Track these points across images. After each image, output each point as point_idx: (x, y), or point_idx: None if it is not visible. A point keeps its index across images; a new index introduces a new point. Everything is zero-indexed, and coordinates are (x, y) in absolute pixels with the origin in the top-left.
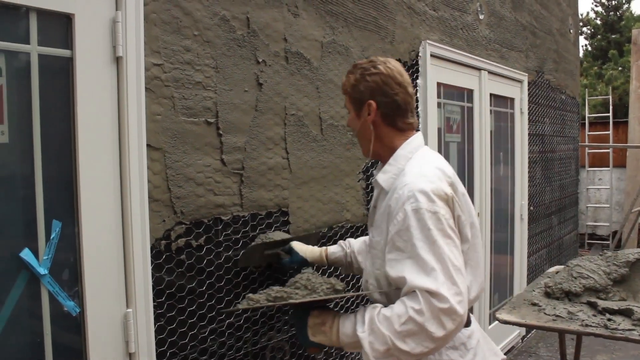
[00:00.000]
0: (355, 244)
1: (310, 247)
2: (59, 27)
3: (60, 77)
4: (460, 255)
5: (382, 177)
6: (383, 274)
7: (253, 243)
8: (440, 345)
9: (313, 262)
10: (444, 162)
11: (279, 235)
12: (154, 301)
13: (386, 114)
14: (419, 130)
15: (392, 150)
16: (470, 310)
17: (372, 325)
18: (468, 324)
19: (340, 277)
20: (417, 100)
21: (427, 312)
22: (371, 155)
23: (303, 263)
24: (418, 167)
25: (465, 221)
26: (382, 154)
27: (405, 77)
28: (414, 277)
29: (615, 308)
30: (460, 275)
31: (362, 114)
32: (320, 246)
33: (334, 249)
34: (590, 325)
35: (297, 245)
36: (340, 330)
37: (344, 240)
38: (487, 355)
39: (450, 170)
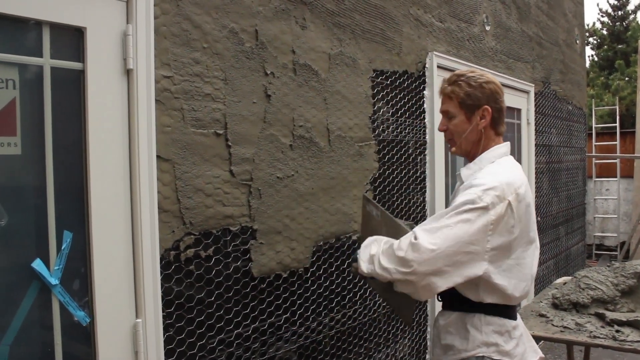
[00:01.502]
0: None
1: None
2: (71, 40)
3: (72, 89)
4: (460, 236)
5: (465, 172)
6: None
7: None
8: (399, 269)
9: None
10: (519, 174)
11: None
12: (163, 311)
13: (495, 118)
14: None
15: (483, 150)
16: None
17: (373, 243)
18: (514, 317)
19: None
20: (424, 112)
21: (403, 246)
22: (464, 153)
23: None
24: (494, 171)
25: (515, 229)
26: (473, 153)
27: (501, 88)
28: (421, 226)
29: (624, 319)
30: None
31: (474, 118)
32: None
33: None
34: (599, 337)
35: None
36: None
37: None
38: (528, 350)
39: (521, 183)
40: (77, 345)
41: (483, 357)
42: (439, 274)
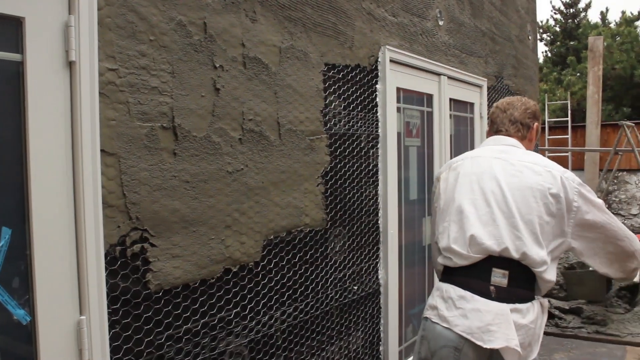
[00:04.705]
0: None
1: None
2: (9, 30)
3: (10, 81)
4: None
5: None
6: None
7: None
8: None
9: None
10: (471, 153)
11: None
12: (108, 308)
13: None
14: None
15: None
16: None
17: None
18: (463, 286)
19: None
20: (376, 105)
21: None
22: None
23: None
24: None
25: (440, 194)
26: None
27: (499, 106)
28: None
29: (566, 307)
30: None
31: None
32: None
33: None
34: None
35: None
36: None
37: None
38: (486, 330)
39: (462, 158)
40: (17, 345)
41: (426, 318)
42: None
